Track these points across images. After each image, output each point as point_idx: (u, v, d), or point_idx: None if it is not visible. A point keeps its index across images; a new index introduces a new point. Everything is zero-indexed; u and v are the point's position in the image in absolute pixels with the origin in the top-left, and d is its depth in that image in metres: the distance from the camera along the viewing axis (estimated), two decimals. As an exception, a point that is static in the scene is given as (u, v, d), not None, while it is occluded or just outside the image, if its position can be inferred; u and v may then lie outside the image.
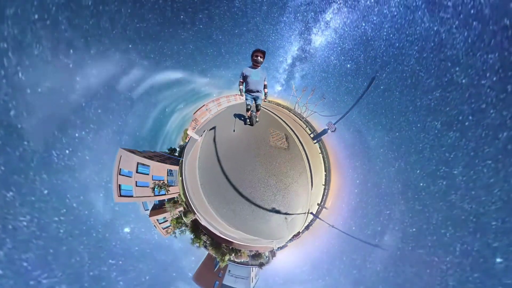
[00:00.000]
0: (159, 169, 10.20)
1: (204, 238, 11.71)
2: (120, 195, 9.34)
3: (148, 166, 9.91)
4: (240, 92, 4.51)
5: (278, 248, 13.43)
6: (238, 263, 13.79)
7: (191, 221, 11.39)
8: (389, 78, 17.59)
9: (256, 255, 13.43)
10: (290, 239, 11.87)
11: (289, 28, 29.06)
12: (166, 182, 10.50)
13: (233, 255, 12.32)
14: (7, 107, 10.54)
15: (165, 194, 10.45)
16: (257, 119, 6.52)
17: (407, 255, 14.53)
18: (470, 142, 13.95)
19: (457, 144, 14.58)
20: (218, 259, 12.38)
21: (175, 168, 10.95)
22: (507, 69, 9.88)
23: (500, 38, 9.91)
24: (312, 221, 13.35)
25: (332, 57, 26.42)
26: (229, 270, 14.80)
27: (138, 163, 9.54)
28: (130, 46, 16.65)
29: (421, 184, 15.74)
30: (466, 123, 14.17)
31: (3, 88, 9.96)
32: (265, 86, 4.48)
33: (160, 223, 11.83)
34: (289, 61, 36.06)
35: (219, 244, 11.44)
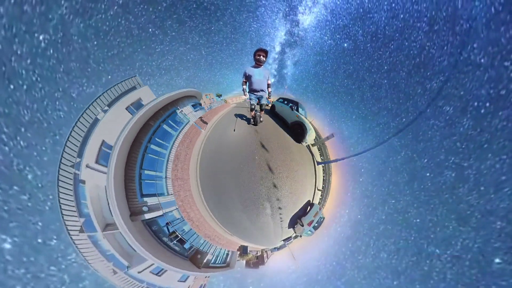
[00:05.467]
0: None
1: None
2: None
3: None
4: (244, 92, 4.55)
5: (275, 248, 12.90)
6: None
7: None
8: (394, 56, 15.09)
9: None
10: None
11: (271, 11, 24.42)
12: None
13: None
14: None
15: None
16: (261, 119, 6.35)
17: (410, 245, 15.26)
18: (484, 133, 12.40)
19: (470, 134, 13.06)
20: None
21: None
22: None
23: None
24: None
25: (326, 37, 22.80)
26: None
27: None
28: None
29: (428, 174, 15.20)
30: (482, 111, 12.29)
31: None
32: (268, 85, 4.53)
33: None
34: (278, 48, 30.87)
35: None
